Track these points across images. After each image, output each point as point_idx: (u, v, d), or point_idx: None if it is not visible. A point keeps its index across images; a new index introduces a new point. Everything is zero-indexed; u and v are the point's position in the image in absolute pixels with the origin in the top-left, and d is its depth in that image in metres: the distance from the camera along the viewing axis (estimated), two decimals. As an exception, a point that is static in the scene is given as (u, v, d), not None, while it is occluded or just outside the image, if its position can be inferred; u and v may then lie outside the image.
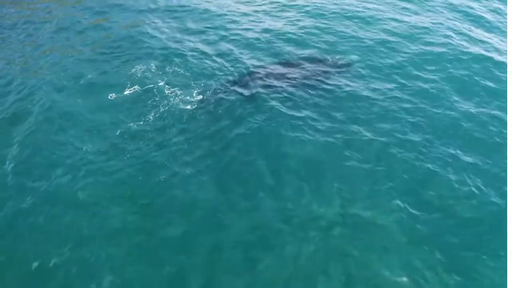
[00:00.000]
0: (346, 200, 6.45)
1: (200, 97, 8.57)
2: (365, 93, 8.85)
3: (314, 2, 13.17)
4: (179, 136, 7.68)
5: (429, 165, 7.05)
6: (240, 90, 8.88)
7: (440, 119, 8.14)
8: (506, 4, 12.98)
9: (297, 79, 9.21)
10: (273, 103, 8.50)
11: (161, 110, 8.18)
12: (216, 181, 6.79)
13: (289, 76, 9.31)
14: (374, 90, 8.94)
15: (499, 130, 7.84)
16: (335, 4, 13.04)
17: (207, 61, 9.89)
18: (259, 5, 13.21)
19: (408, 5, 13.04)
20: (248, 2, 13.40)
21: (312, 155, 7.27)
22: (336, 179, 6.77)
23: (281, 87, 8.99)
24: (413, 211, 6.26)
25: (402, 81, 9.22)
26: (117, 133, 7.69)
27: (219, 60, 9.90)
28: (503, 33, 11.38)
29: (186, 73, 9.38)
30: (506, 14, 12.43)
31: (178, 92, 8.62)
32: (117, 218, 6.18)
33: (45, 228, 6.07)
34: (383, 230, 6.02)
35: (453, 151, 7.37)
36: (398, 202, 6.40)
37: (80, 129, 7.90)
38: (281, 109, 8.31)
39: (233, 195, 6.56)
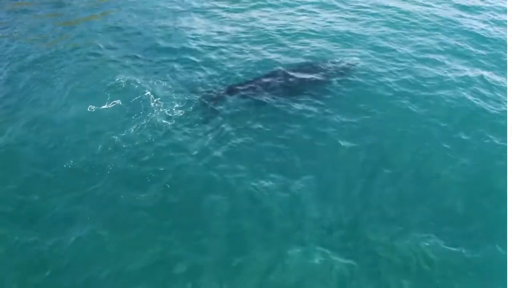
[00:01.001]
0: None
1: (189, 109, 7.92)
2: (367, 100, 8.34)
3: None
4: (163, 153, 7.04)
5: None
6: (229, 103, 8.22)
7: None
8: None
9: (292, 90, 8.60)
10: (265, 117, 7.90)
11: (144, 124, 7.51)
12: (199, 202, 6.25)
13: (284, 86, 8.68)
14: (376, 96, 8.45)
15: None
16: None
17: (195, 71, 9.18)
18: (248, 10, 12.43)
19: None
20: (238, 7, 12.61)
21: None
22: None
23: (274, 98, 8.37)
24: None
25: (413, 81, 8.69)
26: (98, 148, 7.05)
27: (208, 70, 9.17)
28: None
29: (173, 84, 8.69)
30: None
31: (163, 104, 7.94)
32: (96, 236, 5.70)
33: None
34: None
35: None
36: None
37: (57, 142, 7.25)
38: (273, 125, 7.71)
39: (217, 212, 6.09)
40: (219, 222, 5.94)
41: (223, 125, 7.66)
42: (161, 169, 6.70)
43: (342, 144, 7.25)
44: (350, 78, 9.00)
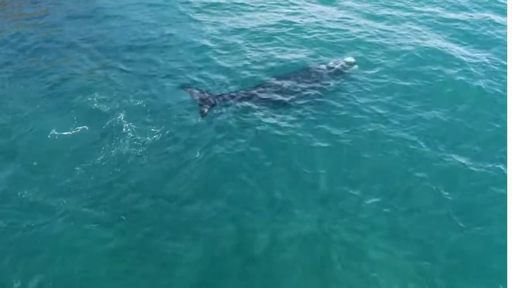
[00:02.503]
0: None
1: (167, 133, 6.90)
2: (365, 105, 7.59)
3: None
4: (130, 193, 6.00)
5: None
6: (212, 128, 7.20)
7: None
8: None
9: (283, 102, 7.69)
10: (252, 138, 6.94)
11: (113, 152, 6.45)
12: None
13: (277, 96, 7.79)
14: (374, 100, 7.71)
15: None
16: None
17: (177, 85, 8.14)
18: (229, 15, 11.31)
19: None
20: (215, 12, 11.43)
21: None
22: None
23: (264, 113, 7.48)
24: None
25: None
26: (55, 183, 6.04)
27: (188, 86, 8.11)
28: None
29: (150, 102, 7.61)
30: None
31: (137, 128, 6.89)
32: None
33: None
34: None
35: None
36: None
37: (10, 172, 6.24)
38: (262, 149, 6.74)
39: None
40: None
41: (207, 152, 6.62)
42: (121, 212, 5.62)
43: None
44: (346, 82, 8.32)
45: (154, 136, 6.80)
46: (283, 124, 7.31)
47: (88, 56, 9.09)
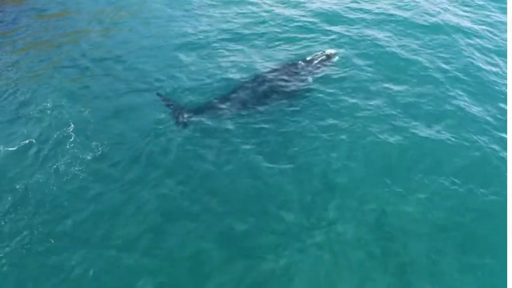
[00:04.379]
0: None
1: (122, 147, 6.18)
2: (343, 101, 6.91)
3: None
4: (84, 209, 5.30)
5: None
6: (190, 134, 6.49)
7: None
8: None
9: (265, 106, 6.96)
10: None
11: (58, 170, 5.77)
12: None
13: (253, 99, 7.07)
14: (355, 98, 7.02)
15: None
16: None
17: (141, 92, 7.37)
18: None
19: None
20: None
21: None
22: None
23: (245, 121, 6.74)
24: None
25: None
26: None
27: (147, 95, 7.25)
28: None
29: (107, 109, 6.94)
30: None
31: (88, 142, 6.20)
32: None
33: None
34: None
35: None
36: None
37: None
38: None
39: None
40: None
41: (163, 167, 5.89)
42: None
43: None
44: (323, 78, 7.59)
45: (100, 150, 6.06)
46: (261, 126, 6.61)
47: (38, 63, 8.36)
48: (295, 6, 10.28)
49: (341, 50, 8.25)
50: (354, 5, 10.13)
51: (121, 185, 5.58)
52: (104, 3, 10.74)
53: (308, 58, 7.89)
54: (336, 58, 7.91)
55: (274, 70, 7.71)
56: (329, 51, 8.01)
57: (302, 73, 7.61)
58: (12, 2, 10.90)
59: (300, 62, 7.84)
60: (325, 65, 7.76)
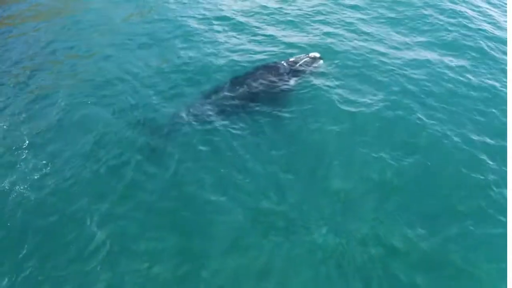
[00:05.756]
0: None
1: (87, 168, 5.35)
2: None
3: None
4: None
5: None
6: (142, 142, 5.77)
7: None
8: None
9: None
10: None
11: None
12: None
13: (232, 102, 6.50)
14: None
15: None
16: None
17: (114, 98, 6.58)
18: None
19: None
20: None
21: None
22: None
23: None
24: None
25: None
26: None
27: (114, 101, 6.47)
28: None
29: (71, 120, 6.12)
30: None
31: (38, 161, 5.34)
32: None
33: None
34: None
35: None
36: None
37: None
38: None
39: None
40: None
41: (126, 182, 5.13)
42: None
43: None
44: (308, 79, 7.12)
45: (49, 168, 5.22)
46: (239, 132, 5.99)
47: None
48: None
49: (327, 52, 7.74)
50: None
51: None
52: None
53: (291, 59, 7.34)
54: (320, 62, 7.41)
55: (255, 71, 7.11)
56: (314, 54, 7.47)
57: (285, 74, 7.04)
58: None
59: (283, 62, 7.29)
60: (309, 67, 7.24)
